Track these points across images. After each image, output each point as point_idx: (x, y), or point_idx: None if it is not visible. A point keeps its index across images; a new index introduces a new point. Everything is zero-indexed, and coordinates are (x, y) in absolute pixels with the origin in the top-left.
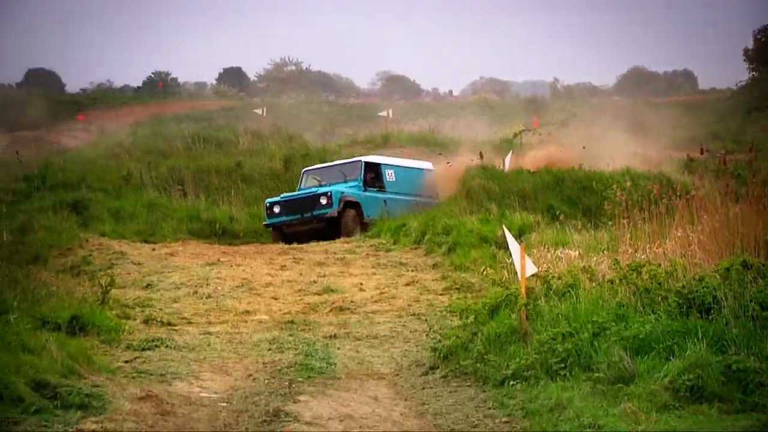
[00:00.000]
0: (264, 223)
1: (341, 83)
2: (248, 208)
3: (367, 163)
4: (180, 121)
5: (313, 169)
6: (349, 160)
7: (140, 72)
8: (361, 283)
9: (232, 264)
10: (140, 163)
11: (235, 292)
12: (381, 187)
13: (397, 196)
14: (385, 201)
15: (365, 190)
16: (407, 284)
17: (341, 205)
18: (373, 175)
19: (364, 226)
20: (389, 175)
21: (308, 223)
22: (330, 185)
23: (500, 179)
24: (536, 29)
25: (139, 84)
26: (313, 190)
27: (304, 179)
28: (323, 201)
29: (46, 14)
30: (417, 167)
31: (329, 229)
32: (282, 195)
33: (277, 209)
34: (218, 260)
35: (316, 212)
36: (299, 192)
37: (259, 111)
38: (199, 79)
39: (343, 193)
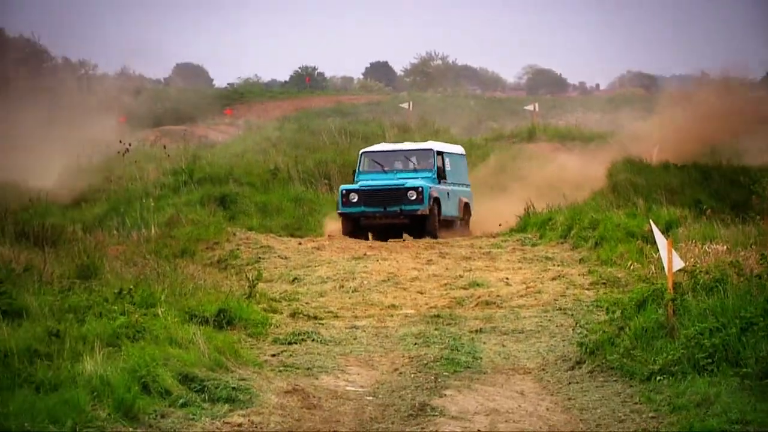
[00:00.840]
0: (338, 211)
1: (487, 77)
2: None
3: (437, 152)
4: (326, 115)
5: (373, 151)
6: (418, 146)
7: (287, 67)
8: (507, 278)
9: (378, 258)
10: (287, 157)
11: (381, 287)
12: (444, 178)
13: (454, 187)
14: (448, 194)
15: (439, 183)
16: (553, 279)
17: (431, 202)
18: (441, 164)
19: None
20: (447, 164)
21: (391, 218)
22: (400, 174)
23: (647, 173)
24: (689, 22)
25: (286, 78)
26: (399, 181)
27: (362, 162)
28: (412, 196)
29: (194, 10)
30: (460, 152)
31: (413, 226)
32: (360, 182)
33: (354, 198)
34: (364, 254)
35: (404, 207)
36: (382, 181)
37: (405, 105)
38: (346, 74)
39: (431, 187)
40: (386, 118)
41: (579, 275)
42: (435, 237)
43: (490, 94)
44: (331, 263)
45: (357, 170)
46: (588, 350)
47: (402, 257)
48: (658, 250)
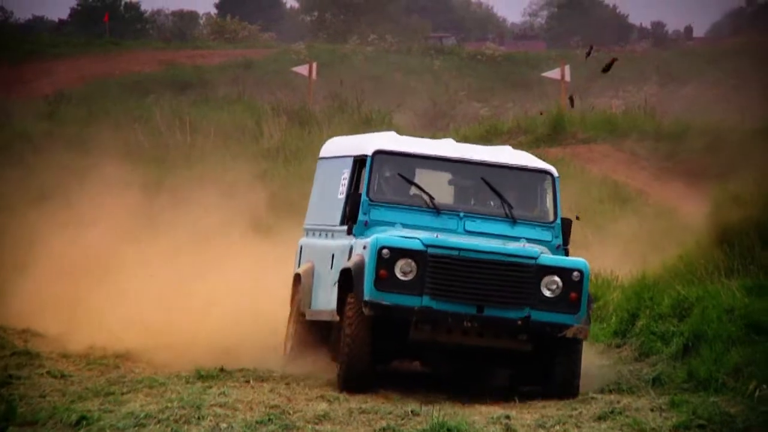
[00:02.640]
0: (365, 297)
1: (468, 13)
2: None
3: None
4: (142, 90)
5: (415, 156)
6: (519, 159)
7: None
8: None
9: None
10: None
11: None
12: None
13: None
14: None
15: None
16: (600, 419)
17: (590, 306)
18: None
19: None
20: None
21: (493, 335)
22: (486, 223)
23: None
24: None
25: (64, 17)
26: (514, 248)
27: (377, 179)
28: (553, 287)
29: None
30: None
31: (529, 363)
32: (393, 232)
33: (408, 270)
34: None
35: (534, 314)
36: (471, 240)
37: (301, 69)
38: (185, 6)
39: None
40: (264, 95)
41: (651, 411)
42: (575, 394)
43: (474, 47)
44: (156, 387)
45: (365, 198)
46: None
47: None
48: None
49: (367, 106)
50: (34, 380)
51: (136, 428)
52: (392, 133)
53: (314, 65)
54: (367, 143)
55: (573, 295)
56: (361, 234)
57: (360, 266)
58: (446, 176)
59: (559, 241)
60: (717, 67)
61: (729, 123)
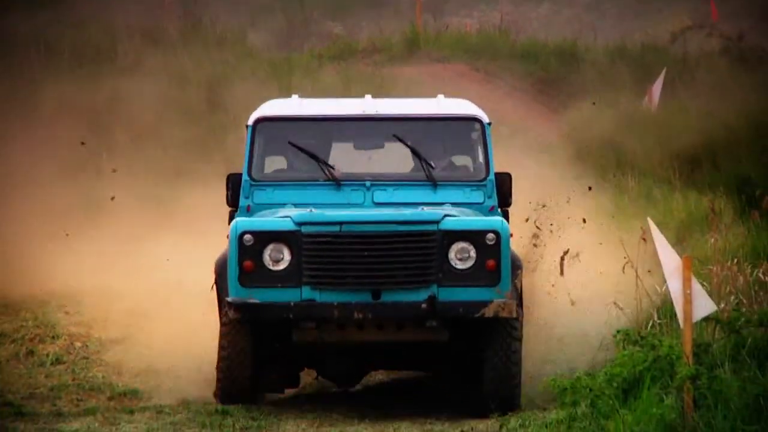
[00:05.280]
0: (229, 297)
1: None
2: None
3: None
4: None
5: (298, 118)
6: (439, 107)
7: None
8: None
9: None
10: None
11: None
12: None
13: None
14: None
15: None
16: None
17: (516, 275)
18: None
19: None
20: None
21: (395, 327)
22: (395, 190)
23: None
24: None
25: None
26: (412, 213)
27: (259, 147)
28: (465, 254)
29: None
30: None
31: (448, 356)
32: (270, 210)
33: (282, 256)
34: None
35: (444, 290)
36: (355, 210)
37: None
38: None
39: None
40: (117, 13)
41: None
42: (514, 402)
43: None
44: (11, 306)
45: (246, 178)
46: None
47: None
48: (664, 277)
49: (221, 25)
50: None
51: None
52: (293, 98)
53: None
54: (257, 110)
55: (490, 263)
56: None
57: (223, 261)
58: (352, 142)
59: (494, 201)
60: None
61: (583, 42)
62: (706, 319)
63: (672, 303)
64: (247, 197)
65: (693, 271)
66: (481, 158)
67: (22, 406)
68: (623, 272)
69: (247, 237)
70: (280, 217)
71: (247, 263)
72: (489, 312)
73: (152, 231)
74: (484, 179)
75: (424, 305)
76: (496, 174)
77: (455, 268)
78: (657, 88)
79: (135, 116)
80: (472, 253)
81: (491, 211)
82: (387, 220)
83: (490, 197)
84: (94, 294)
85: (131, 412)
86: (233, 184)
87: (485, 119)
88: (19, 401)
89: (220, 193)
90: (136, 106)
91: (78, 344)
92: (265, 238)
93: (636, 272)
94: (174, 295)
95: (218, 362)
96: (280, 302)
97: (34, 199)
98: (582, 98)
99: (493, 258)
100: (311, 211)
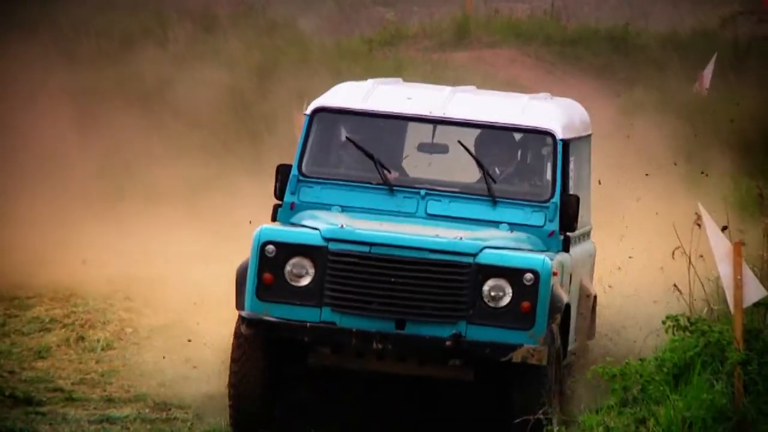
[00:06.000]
0: (241, 311)
1: None
2: None
3: (563, 142)
4: None
5: (370, 113)
6: (514, 117)
7: None
8: None
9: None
10: None
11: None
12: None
13: (576, 250)
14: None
15: (562, 248)
16: None
17: (551, 320)
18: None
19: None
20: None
21: (413, 362)
22: (449, 205)
23: None
24: None
25: None
26: (448, 240)
27: (313, 144)
28: (500, 295)
29: None
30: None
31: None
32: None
33: (305, 271)
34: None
35: (474, 329)
36: (396, 231)
37: None
38: None
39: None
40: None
41: None
42: None
43: None
44: (61, 292)
45: (295, 172)
46: None
47: None
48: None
49: (272, 11)
50: None
51: (41, 332)
52: (368, 83)
53: None
54: (320, 98)
55: (525, 304)
56: (286, 221)
57: (243, 269)
58: (421, 140)
59: (555, 226)
60: None
61: (634, 27)
62: (757, 304)
63: (723, 289)
64: (293, 193)
65: (744, 256)
66: (548, 176)
67: (73, 392)
68: (673, 258)
69: (270, 248)
70: (308, 229)
71: (267, 276)
72: (517, 357)
73: (202, 218)
74: (548, 200)
75: (448, 342)
76: (562, 196)
77: (487, 306)
78: (708, 73)
79: (185, 102)
80: (508, 292)
81: (550, 237)
82: (420, 247)
83: (551, 221)
84: (145, 280)
85: (181, 398)
86: (282, 176)
87: (558, 134)
88: (70, 387)
89: (270, 181)
90: (186, 91)
91: (129, 330)
92: (288, 250)
93: (688, 258)
94: (224, 282)
95: (229, 380)
96: (296, 321)
97: (87, 185)
98: (633, 84)
99: (529, 299)
100: (342, 226)
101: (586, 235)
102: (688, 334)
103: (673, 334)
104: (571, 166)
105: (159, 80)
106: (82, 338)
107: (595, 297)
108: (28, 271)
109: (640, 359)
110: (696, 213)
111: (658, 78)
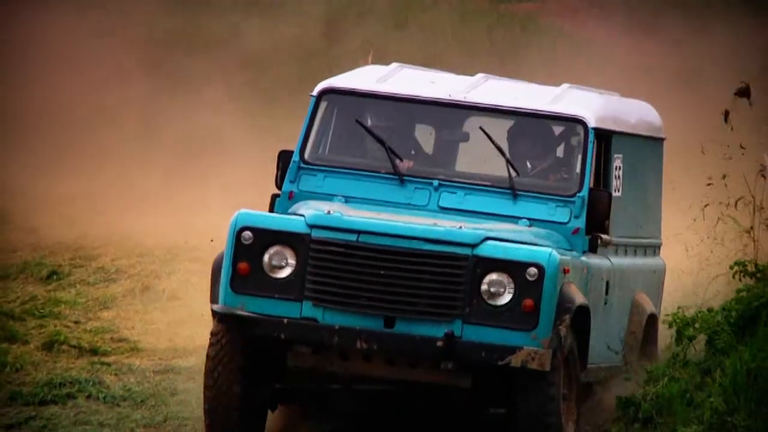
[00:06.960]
0: (213, 305)
1: None
2: None
3: (597, 131)
4: None
5: (376, 95)
6: (553, 109)
7: None
8: None
9: None
10: None
11: None
12: (605, 230)
13: (627, 260)
14: (607, 285)
15: (590, 247)
16: None
17: (560, 323)
18: (596, 182)
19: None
20: (619, 176)
21: (405, 367)
22: (465, 197)
23: None
24: None
25: None
26: (448, 230)
27: (319, 130)
28: (500, 292)
29: None
30: (653, 134)
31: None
32: (298, 204)
33: (282, 260)
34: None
35: (469, 328)
36: (396, 217)
37: None
38: None
39: (562, 260)
40: None
41: None
42: None
43: None
44: (125, 241)
45: (296, 158)
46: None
47: None
48: None
49: None
50: (5, 235)
51: (107, 283)
52: (392, 66)
53: None
54: (327, 80)
55: (527, 302)
56: (284, 210)
57: (219, 258)
58: (434, 130)
59: (581, 223)
60: None
61: None
62: None
63: None
64: (292, 181)
65: None
66: (577, 169)
67: (138, 342)
68: (735, 208)
69: (247, 234)
70: (292, 216)
71: (243, 265)
72: (516, 361)
73: (267, 168)
74: (574, 194)
75: (439, 343)
76: (591, 191)
77: (486, 303)
78: None
79: (251, 51)
80: (509, 288)
81: (574, 235)
82: (413, 236)
83: (577, 217)
84: (211, 229)
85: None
86: (284, 163)
87: (590, 123)
88: (135, 337)
89: None
90: (251, 41)
91: (194, 279)
92: (267, 237)
93: (753, 207)
94: None
95: (204, 375)
96: (273, 317)
97: (154, 138)
98: (699, 37)
99: (532, 297)
100: (329, 212)
101: (653, 249)
102: (754, 280)
103: (740, 280)
104: (617, 164)
105: (224, 30)
106: (147, 288)
107: (656, 317)
108: (93, 221)
109: (708, 309)
110: (761, 164)
111: (722, 26)
